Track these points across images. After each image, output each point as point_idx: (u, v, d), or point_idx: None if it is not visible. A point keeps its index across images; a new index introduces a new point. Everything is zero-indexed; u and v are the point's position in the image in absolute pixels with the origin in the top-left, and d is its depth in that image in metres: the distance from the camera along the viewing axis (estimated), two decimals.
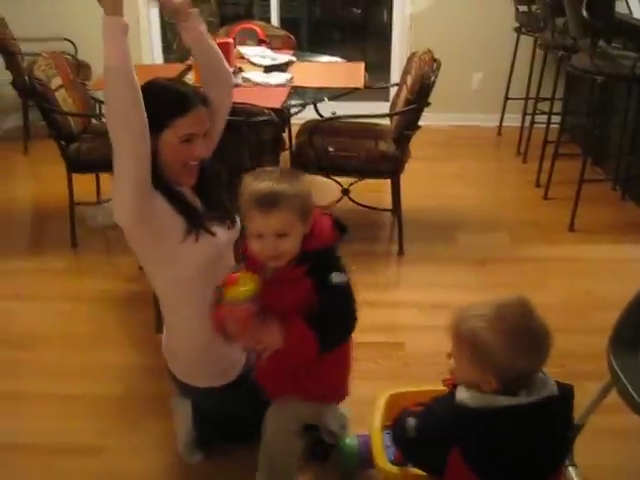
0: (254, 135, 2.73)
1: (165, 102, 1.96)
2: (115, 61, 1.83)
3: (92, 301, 3.33)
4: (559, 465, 1.72)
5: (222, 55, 2.24)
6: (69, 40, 5.57)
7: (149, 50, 5.90)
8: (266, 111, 2.74)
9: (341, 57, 4.48)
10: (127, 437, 2.48)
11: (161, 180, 1.99)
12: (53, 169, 4.33)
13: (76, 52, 5.47)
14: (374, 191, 4.20)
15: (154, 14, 5.93)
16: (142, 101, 1.84)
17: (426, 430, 1.70)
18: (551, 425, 1.63)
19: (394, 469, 1.88)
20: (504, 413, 1.59)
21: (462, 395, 1.64)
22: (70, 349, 3.01)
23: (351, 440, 2.26)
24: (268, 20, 5.83)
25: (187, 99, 1.99)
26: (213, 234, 2.08)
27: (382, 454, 1.93)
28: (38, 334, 3.12)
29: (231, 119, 2.63)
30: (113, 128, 1.87)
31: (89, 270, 3.70)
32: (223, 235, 2.14)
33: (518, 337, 1.58)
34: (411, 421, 1.72)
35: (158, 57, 6.04)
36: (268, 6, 6.29)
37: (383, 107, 5.62)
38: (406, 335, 3.04)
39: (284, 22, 6.06)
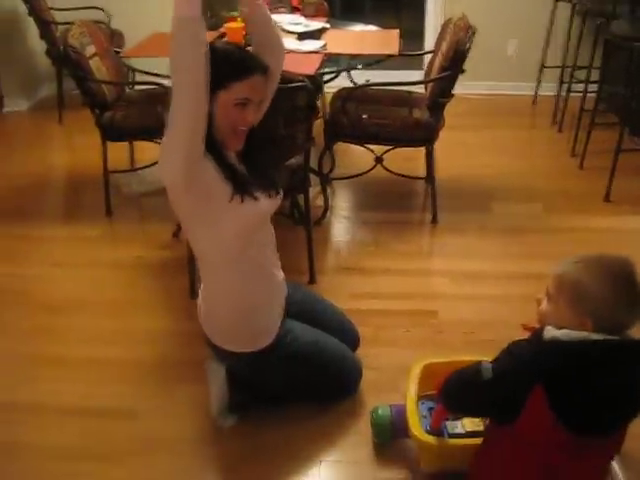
0: (288, 101, 2.70)
1: (226, 63, 1.95)
2: (186, 11, 1.78)
3: (127, 268, 3.37)
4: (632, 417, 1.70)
5: (275, 23, 2.24)
6: (101, 9, 5.55)
7: None
8: (300, 77, 2.72)
9: (374, 25, 4.41)
10: (162, 401, 2.52)
11: (212, 143, 1.99)
12: (87, 138, 4.37)
13: (109, 21, 5.46)
14: (407, 159, 4.16)
15: None
16: (207, 56, 1.85)
17: (507, 370, 1.68)
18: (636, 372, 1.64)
19: (430, 439, 1.88)
20: (597, 346, 1.60)
21: (553, 332, 1.65)
22: (106, 315, 3.05)
23: (383, 410, 2.26)
24: None
25: (248, 64, 2.00)
26: (256, 199, 2.09)
27: (418, 424, 1.93)
28: (75, 300, 3.17)
29: None
30: (177, 81, 1.86)
31: (124, 238, 3.73)
32: (265, 202, 2.16)
33: (620, 287, 1.61)
34: (486, 364, 1.71)
35: None
36: None
37: (417, 75, 5.60)
38: (439, 304, 3.03)
39: None
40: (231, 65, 1.96)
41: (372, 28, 4.32)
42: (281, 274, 2.36)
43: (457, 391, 1.84)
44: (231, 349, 2.25)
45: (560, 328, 1.65)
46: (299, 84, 2.70)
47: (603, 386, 1.61)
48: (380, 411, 2.26)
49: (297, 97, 2.72)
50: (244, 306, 2.20)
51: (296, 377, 2.35)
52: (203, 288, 2.29)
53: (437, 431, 1.93)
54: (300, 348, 2.31)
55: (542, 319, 1.73)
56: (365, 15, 7.85)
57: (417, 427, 1.93)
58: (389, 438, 2.25)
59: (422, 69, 5.71)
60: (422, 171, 4.07)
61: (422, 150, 3.88)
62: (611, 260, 1.66)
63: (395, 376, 2.53)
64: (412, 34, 5.91)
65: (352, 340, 2.57)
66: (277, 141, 2.81)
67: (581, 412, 1.62)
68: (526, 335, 1.74)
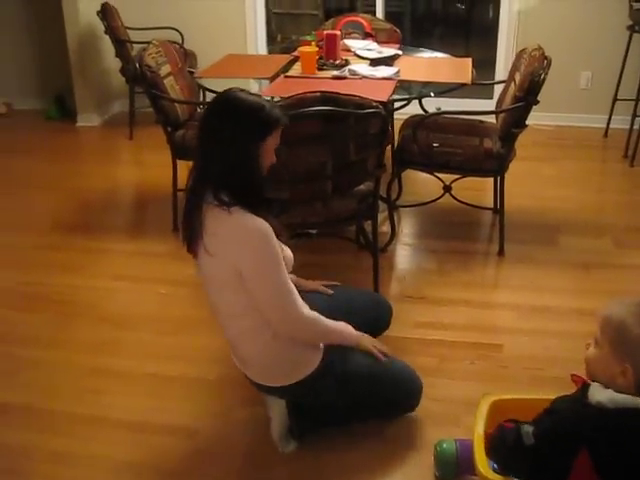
0: (361, 127, 2.70)
1: (275, 112, 2.11)
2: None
3: (190, 285, 3.37)
4: None
5: None
6: (176, 29, 5.68)
7: (254, 40, 5.95)
8: (374, 104, 2.72)
9: (443, 53, 4.40)
10: (222, 421, 2.52)
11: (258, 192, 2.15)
12: (156, 155, 4.45)
13: (182, 41, 5.57)
14: (474, 189, 4.12)
15: (260, 4, 5.98)
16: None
17: (551, 432, 1.66)
18: None
19: (497, 477, 1.83)
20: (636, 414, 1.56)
21: (599, 397, 1.61)
22: (170, 332, 3.08)
23: (449, 444, 2.21)
24: (373, 13, 5.78)
25: (279, 113, 2.14)
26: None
27: (485, 461, 1.88)
28: (139, 315, 3.21)
29: (338, 110, 2.65)
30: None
31: (189, 255, 3.75)
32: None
33: None
34: (527, 427, 1.69)
35: (262, 47, 6.09)
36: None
37: (486, 104, 5.56)
38: (504, 337, 2.97)
39: (387, 16, 6.01)
40: (278, 112, 2.12)
41: (442, 55, 4.30)
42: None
43: (501, 455, 1.82)
44: (275, 384, 2.27)
45: (603, 379, 1.62)
46: (373, 110, 2.69)
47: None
48: (445, 445, 2.21)
49: (370, 123, 2.72)
50: (273, 346, 2.22)
51: (352, 395, 2.32)
52: (230, 338, 2.31)
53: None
54: (348, 367, 2.30)
55: (588, 366, 1.71)
56: (434, 42, 7.85)
57: (484, 465, 1.87)
58: (452, 474, 2.20)
59: (492, 98, 5.69)
60: (489, 201, 4.03)
61: (489, 180, 3.84)
62: None
63: (458, 409, 2.49)
64: (481, 63, 5.84)
65: (387, 310, 2.70)
66: (348, 166, 2.81)
67: (627, 477, 1.58)
68: (574, 389, 1.71)
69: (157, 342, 3.01)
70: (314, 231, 3.08)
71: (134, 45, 5.55)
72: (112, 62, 5.89)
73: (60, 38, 5.80)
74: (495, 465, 1.86)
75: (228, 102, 2.11)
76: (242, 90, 2.15)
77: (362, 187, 3.01)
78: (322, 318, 2.20)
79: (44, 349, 2.96)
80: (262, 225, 2.05)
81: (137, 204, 4.62)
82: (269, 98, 3.41)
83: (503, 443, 1.78)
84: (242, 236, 2.06)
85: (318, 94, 2.62)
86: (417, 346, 2.90)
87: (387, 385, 2.36)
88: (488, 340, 2.96)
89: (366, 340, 2.34)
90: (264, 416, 2.42)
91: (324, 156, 2.74)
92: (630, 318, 1.60)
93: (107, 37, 5.59)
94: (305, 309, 2.16)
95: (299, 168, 2.76)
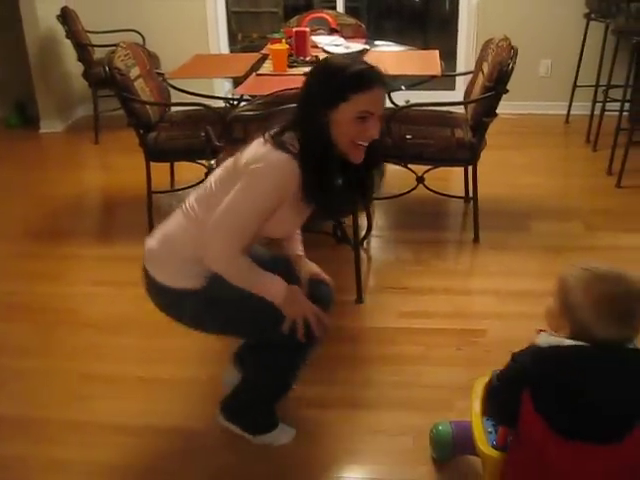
0: None
1: (348, 76, 1.93)
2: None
3: None
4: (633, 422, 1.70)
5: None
6: (137, 31, 5.64)
7: (215, 39, 5.96)
8: None
9: (407, 46, 4.44)
10: (214, 421, 2.51)
11: (322, 153, 1.97)
12: (124, 158, 4.43)
13: (144, 42, 5.55)
14: (442, 179, 4.19)
15: (220, 3, 5.97)
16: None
17: (505, 376, 1.80)
18: (620, 374, 1.68)
19: (497, 454, 1.89)
20: (569, 352, 1.67)
21: (539, 340, 1.74)
22: (153, 334, 3.06)
23: (444, 426, 2.26)
24: (333, 9, 5.82)
25: (370, 76, 1.95)
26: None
27: (484, 439, 1.93)
28: (121, 319, 3.20)
29: None
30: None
31: None
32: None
33: (602, 306, 1.65)
34: (496, 371, 1.85)
35: (224, 47, 6.09)
36: None
37: (450, 95, 5.64)
38: (486, 322, 3.03)
39: (346, 11, 6.05)
40: (354, 76, 1.93)
41: (405, 48, 4.34)
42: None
43: (484, 398, 1.95)
44: (160, 279, 2.18)
45: (551, 329, 1.76)
46: None
47: (581, 391, 1.66)
48: (441, 427, 2.26)
49: None
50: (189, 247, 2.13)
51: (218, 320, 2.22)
52: (170, 232, 2.20)
53: (503, 447, 1.93)
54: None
55: (545, 318, 1.82)
56: (392, 36, 7.90)
57: (483, 442, 1.93)
58: (450, 455, 2.26)
59: (454, 89, 5.77)
60: (458, 190, 4.10)
61: (457, 170, 3.91)
62: (611, 276, 1.69)
63: (449, 395, 2.55)
64: (441, 54, 5.93)
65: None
66: None
67: (564, 416, 1.68)
68: None
69: (143, 345, 3.01)
70: None
71: (95, 48, 5.51)
72: (73, 66, 5.84)
73: (18, 43, 5.72)
74: (494, 442, 1.92)
75: (320, 63, 2.07)
76: (346, 55, 2.09)
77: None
78: (254, 267, 2.07)
79: (30, 358, 2.94)
80: (281, 162, 1.95)
81: (108, 208, 4.59)
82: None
83: (486, 389, 1.94)
84: (255, 159, 1.98)
85: (296, 91, 2.63)
86: (403, 336, 2.95)
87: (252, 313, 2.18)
88: (471, 326, 3.02)
89: (291, 306, 2.09)
90: None
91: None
92: (579, 283, 1.69)
93: (67, 41, 5.55)
94: (238, 256, 2.04)
95: None
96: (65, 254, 3.84)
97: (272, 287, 2.09)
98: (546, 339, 1.73)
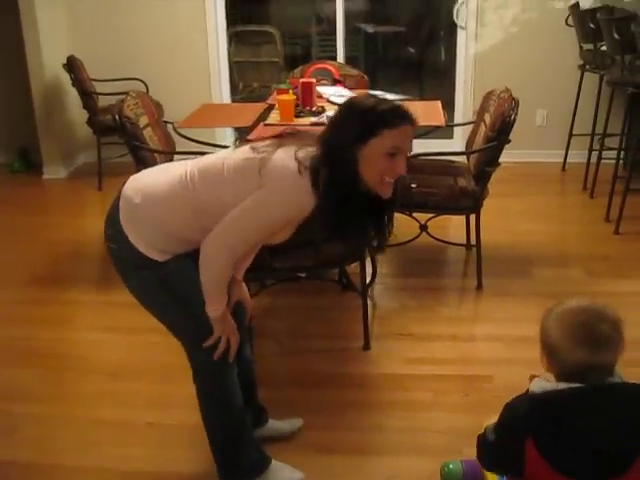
0: None
1: (380, 111, 1.96)
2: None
3: None
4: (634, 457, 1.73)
5: None
6: (141, 80, 5.74)
7: (218, 89, 6.07)
8: None
9: (406, 95, 4.52)
10: None
11: (350, 192, 2.00)
12: None
13: (147, 91, 5.63)
14: (444, 227, 4.26)
15: (223, 54, 6.10)
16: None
17: (502, 428, 1.80)
18: (615, 411, 1.71)
19: None
20: (563, 395, 1.71)
21: (532, 387, 1.78)
22: (159, 380, 3.09)
23: (455, 464, 2.29)
24: (331, 59, 5.94)
25: (401, 113, 2.00)
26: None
27: (495, 476, 1.96)
28: (130, 365, 3.22)
29: None
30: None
31: None
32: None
33: (573, 328, 1.72)
34: (490, 426, 1.84)
35: (226, 96, 6.20)
36: (328, 46, 6.43)
37: (448, 144, 5.74)
38: (493, 368, 3.06)
39: (346, 61, 6.18)
40: (384, 113, 1.97)
41: (402, 97, 4.41)
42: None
43: (478, 453, 1.93)
44: (132, 240, 2.12)
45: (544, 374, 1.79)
46: None
47: (579, 432, 1.69)
48: (452, 465, 2.30)
49: None
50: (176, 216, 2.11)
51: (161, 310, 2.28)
52: (156, 192, 2.12)
53: None
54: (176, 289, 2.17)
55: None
56: (389, 85, 8.03)
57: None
58: None
59: (452, 138, 5.88)
60: (459, 237, 4.17)
61: (458, 218, 3.97)
62: (582, 307, 1.76)
63: (459, 441, 2.56)
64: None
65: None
66: None
67: (568, 457, 1.70)
68: None
69: (151, 391, 3.02)
70: (303, 275, 3.14)
71: (99, 96, 5.61)
72: (77, 114, 5.93)
73: (23, 91, 5.82)
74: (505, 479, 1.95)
75: (349, 101, 2.09)
76: (372, 95, 2.11)
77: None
78: (227, 280, 2.12)
79: (41, 404, 2.94)
80: (305, 190, 1.96)
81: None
82: None
83: (477, 443, 1.93)
84: (281, 177, 1.98)
85: (305, 128, 2.70)
86: (411, 382, 2.97)
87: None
88: (478, 372, 3.05)
89: (221, 324, 2.16)
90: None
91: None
92: (552, 320, 1.76)
93: (72, 89, 5.64)
94: (230, 263, 2.07)
95: None
96: (69, 300, 3.87)
97: (220, 302, 2.13)
98: (539, 384, 1.77)
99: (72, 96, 5.81)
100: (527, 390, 1.81)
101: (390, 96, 4.38)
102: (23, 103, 5.92)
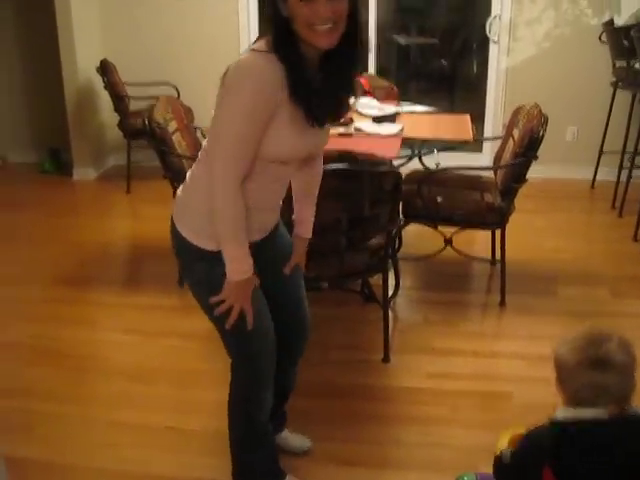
0: (375, 184, 2.80)
1: None
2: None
3: (200, 339, 3.41)
4: None
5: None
6: (173, 85, 5.79)
7: None
8: (386, 162, 2.82)
9: (434, 107, 4.54)
10: None
11: (293, 48, 1.90)
12: (155, 209, 4.52)
13: (178, 96, 5.69)
14: (468, 242, 4.24)
15: None
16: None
17: (520, 453, 1.81)
18: (635, 443, 1.70)
19: None
20: (584, 425, 1.70)
21: (556, 414, 1.76)
22: (181, 385, 3.11)
23: (469, 477, 2.28)
24: (364, 71, 5.94)
25: None
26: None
27: None
28: (152, 368, 3.24)
29: (353, 169, 2.74)
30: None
31: (196, 308, 3.79)
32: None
33: (579, 351, 1.73)
34: (507, 449, 1.87)
35: None
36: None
37: (477, 158, 5.72)
38: (513, 385, 3.05)
39: (377, 71, 6.18)
40: None
41: (431, 109, 4.42)
42: (274, 215, 2.24)
43: (494, 473, 1.95)
44: (179, 227, 2.12)
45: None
46: (388, 168, 2.79)
47: (596, 461, 1.69)
48: (466, 478, 2.29)
49: (384, 180, 2.81)
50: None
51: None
52: (190, 175, 2.14)
53: None
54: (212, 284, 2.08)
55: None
56: (418, 97, 8.01)
57: None
58: None
59: (481, 152, 5.86)
60: (484, 252, 4.14)
61: (482, 233, 3.95)
62: (593, 337, 1.75)
63: (475, 458, 2.55)
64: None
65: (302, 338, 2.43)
66: (362, 222, 2.89)
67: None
68: None
69: (173, 395, 3.04)
70: (325, 284, 3.14)
71: (130, 100, 5.66)
72: (108, 116, 5.99)
73: (56, 92, 5.91)
74: None
75: None
76: None
77: (373, 241, 3.09)
78: (240, 221, 1.99)
79: (60, 403, 2.97)
80: (254, 62, 1.88)
81: (137, 257, 4.66)
82: None
83: (494, 465, 1.94)
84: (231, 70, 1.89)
85: (335, 153, 2.70)
86: (430, 396, 2.96)
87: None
88: (498, 388, 3.03)
89: (236, 291, 2.04)
90: (289, 467, 2.45)
91: (339, 212, 2.82)
92: (564, 348, 1.77)
93: (104, 92, 5.70)
94: (235, 189, 1.94)
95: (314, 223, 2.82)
96: (94, 301, 3.91)
97: (240, 263, 2.01)
98: (563, 412, 1.76)
99: (104, 99, 5.88)
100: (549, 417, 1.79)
101: (419, 108, 4.40)
102: (55, 104, 6.01)
